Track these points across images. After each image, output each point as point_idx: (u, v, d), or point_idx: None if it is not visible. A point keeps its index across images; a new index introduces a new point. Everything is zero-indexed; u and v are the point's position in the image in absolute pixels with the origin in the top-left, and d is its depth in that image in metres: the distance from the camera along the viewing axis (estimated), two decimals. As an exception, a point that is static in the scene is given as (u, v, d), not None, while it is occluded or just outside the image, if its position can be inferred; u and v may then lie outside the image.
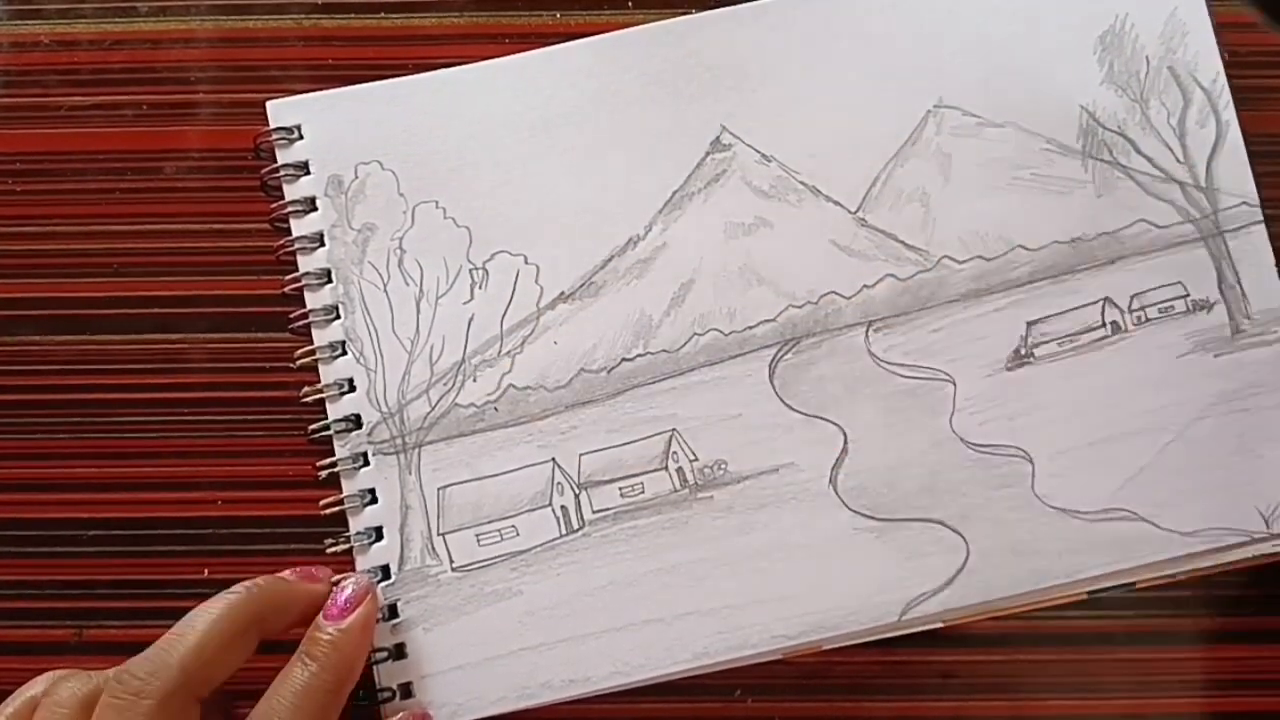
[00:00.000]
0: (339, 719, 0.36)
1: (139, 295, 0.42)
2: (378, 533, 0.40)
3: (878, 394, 0.40)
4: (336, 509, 0.40)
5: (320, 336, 0.41)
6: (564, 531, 0.40)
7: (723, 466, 0.40)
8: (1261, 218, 0.41)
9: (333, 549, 0.40)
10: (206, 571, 0.40)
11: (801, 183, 0.42)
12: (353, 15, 0.44)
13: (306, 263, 0.42)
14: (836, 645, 0.39)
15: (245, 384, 0.41)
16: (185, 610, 0.35)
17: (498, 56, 0.42)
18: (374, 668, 0.39)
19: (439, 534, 0.40)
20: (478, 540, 0.40)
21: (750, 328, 0.41)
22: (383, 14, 0.44)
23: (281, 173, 0.42)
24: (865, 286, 0.41)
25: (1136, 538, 0.39)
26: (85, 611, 0.40)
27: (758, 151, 0.42)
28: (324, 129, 0.42)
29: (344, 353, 0.41)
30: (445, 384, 0.41)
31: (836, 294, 0.41)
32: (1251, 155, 0.41)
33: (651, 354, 0.41)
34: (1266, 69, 0.43)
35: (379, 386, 0.41)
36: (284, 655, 0.36)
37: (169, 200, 0.43)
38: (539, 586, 0.39)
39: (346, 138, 0.42)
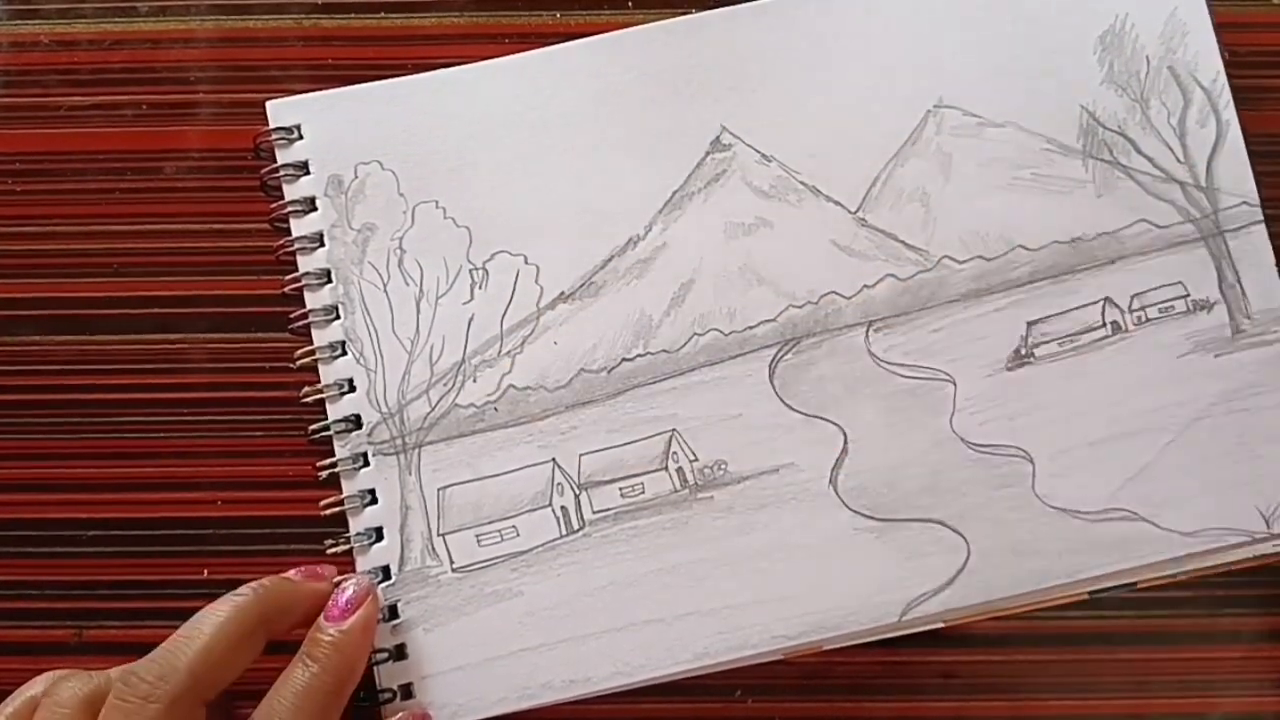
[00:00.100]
0: (340, 720, 0.36)
1: (139, 295, 0.42)
2: (378, 533, 0.40)
3: (878, 394, 0.40)
4: (336, 509, 0.40)
5: (320, 337, 0.41)
6: (564, 532, 0.40)
7: (723, 467, 0.40)
8: (1262, 217, 0.41)
9: (333, 550, 0.40)
10: (206, 572, 0.40)
11: (801, 183, 0.42)
12: (353, 15, 0.44)
13: (306, 263, 0.41)
14: (837, 645, 0.39)
15: (245, 384, 0.41)
16: (185, 610, 0.35)
17: (498, 56, 0.42)
18: (375, 668, 0.39)
19: (439, 534, 0.40)
20: (478, 541, 0.40)
21: (750, 328, 0.41)
22: (383, 14, 0.44)
23: (281, 173, 0.42)
24: (865, 286, 0.41)
25: (1137, 538, 0.39)
26: (85, 612, 0.40)
27: (758, 151, 0.42)
28: (324, 129, 0.42)
29: (344, 353, 0.41)
30: (445, 384, 0.41)
31: (837, 294, 0.41)
32: (1251, 155, 0.41)
33: (651, 354, 0.41)
34: (1266, 69, 0.43)
35: (379, 387, 0.41)
36: (286, 656, 0.36)
37: (169, 200, 0.43)
38: (539, 587, 0.39)
39: (346, 138, 0.42)
